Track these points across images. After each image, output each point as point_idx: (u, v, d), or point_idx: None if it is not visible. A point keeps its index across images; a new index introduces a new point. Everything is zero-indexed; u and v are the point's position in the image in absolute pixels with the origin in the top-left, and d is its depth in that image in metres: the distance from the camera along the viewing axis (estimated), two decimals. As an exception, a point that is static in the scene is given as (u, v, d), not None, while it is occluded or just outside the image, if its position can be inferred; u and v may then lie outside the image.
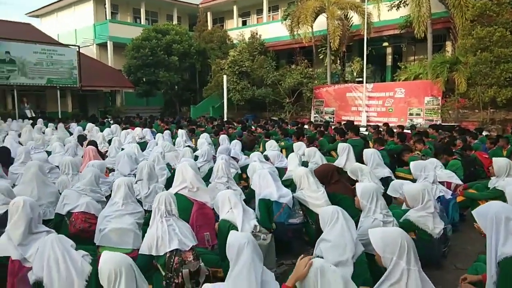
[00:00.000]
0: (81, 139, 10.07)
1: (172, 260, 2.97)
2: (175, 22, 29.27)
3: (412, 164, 5.17)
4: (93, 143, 8.03)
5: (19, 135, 10.72)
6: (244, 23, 29.53)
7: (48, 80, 20.61)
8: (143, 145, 9.20)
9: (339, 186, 4.68)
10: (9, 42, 19.30)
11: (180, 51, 23.13)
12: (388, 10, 18.13)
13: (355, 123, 17.42)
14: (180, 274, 2.92)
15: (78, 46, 22.35)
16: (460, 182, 5.48)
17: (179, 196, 3.95)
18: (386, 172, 5.69)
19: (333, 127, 13.06)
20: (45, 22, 31.38)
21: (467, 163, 7.38)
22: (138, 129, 10.17)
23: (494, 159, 5.12)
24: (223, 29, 26.72)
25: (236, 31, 26.08)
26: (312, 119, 19.64)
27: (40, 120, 14.94)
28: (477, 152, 8.11)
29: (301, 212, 4.25)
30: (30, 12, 31.38)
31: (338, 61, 21.97)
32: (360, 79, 19.19)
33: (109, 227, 3.40)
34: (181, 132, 9.30)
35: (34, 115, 19.99)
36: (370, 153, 5.84)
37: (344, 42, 19.36)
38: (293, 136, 10.58)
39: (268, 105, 20.80)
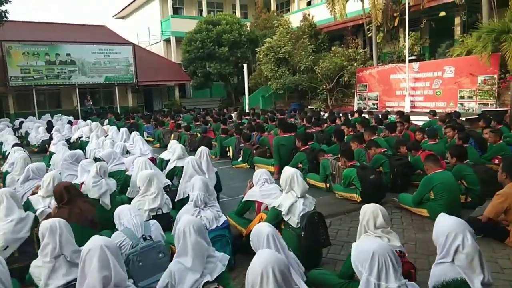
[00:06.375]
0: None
1: None
2: (237, 11, 29.01)
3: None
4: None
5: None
6: (309, 3, 27.80)
7: (106, 78, 22.17)
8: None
9: (64, 211, 3.75)
10: (68, 44, 21.20)
11: (230, 41, 22.67)
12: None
13: (399, 109, 15.03)
14: None
15: (133, 44, 23.59)
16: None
17: None
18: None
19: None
20: (128, 22, 33.97)
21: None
22: (86, 128, 9.81)
23: (285, 168, 3.68)
24: (279, 15, 25.48)
25: (293, 15, 24.66)
26: (355, 107, 17.57)
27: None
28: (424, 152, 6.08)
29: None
30: (115, 14, 34.26)
31: (397, 38, 19.10)
32: (414, 57, 16.37)
33: None
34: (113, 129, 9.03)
35: (95, 111, 21.79)
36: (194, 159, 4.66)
37: (390, 16, 16.70)
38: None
39: (307, 93, 19.18)
